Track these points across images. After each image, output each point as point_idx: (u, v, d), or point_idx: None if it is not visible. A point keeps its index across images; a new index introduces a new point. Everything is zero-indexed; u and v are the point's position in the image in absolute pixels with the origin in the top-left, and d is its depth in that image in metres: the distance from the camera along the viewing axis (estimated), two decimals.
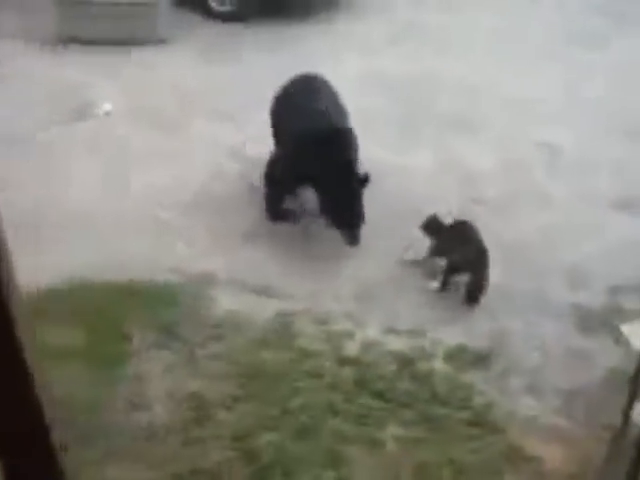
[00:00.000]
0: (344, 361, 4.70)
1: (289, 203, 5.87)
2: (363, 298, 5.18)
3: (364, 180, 5.40)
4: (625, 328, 4.99)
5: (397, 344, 4.82)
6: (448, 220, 5.37)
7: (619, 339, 4.92)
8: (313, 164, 5.38)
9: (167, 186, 6.07)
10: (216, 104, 7.14)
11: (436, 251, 5.36)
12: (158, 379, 4.50)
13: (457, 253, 5.18)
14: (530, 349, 4.86)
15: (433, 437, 4.25)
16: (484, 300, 5.16)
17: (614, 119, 7.21)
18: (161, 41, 8.28)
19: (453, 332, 4.92)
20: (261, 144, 6.06)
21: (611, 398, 4.36)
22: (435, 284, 5.26)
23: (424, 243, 5.41)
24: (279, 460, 4.06)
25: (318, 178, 5.44)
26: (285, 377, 4.57)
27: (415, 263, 5.44)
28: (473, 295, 5.13)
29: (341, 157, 5.40)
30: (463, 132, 6.93)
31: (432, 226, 5.37)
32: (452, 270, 5.21)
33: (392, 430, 4.29)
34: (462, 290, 5.19)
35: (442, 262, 5.32)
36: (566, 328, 5.01)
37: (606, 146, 6.81)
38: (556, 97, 7.51)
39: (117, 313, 4.91)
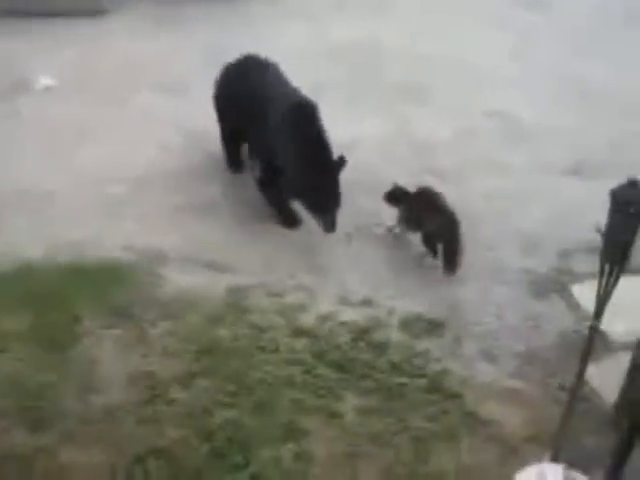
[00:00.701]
0: (300, 334, 4.66)
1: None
2: (316, 271, 5.15)
3: (340, 162, 5.20)
4: (576, 290, 5.05)
5: (352, 315, 4.80)
6: (410, 188, 5.33)
7: (571, 302, 4.98)
8: (291, 147, 5.17)
9: (114, 162, 5.94)
10: (160, 76, 7.00)
11: (405, 221, 5.33)
12: (111, 360, 4.41)
13: (428, 222, 5.15)
14: (484, 315, 4.89)
15: (391, 406, 4.25)
16: (437, 267, 5.17)
17: (565, 84, 7.26)
18: (103, 12, 8.06)
19: (407, 301, 4.92)
20: (203, 116, 5.94)
21: (565, 360, 4.43)
22: (426, 259, 5.21)
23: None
24: (237, 436, 4.01)
25: (293, 160, 5.21)
26: (241, 352, 4.52)
27: (389, 234, 5.42)
28: (452, 261, 5.12)
29: (317, 139, 5.18)
30: (413, 101, 6.90)
31: (396, 196, 5.34)
32: (429, 240, 5.19)
33: (350, 400, 4.27)
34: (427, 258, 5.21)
35: (405, 231, 5.33)
36: (519, 293, 5.06)
37: (558, 112, 6.86)
38: (505, 63, 7.54)
39: (66, 294, 4.79)
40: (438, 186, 5.44)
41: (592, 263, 4.83)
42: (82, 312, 4.68)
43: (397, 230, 5.41)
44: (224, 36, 7.75)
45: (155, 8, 8.38)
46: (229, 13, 8.22)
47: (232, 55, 7.19)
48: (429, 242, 5.19)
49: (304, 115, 5.19)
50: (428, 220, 5.15)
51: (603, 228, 3.18)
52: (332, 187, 5.18)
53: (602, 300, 3.30)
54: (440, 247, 5.16)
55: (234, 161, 5.96)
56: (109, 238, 5.24)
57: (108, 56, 7.32)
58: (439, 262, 5.18)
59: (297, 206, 5.48)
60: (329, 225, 5.21)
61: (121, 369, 4.38)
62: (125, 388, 4.27)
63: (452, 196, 5.25)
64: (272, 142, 5.30)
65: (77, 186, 5.68)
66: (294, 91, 5.45)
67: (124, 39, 7.63)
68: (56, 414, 4.05)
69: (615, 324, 4.21)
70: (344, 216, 5.34)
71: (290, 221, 5.52)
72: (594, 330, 3.43)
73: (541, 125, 6.65)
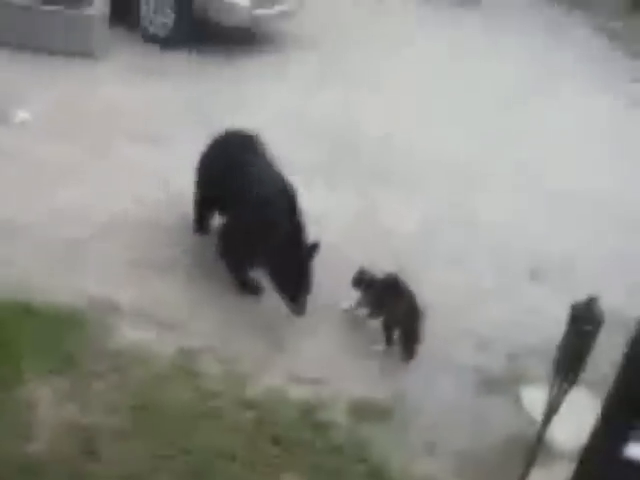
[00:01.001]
0: (245, 405, 4.60)
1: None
2: (270, 341, 5.12)
3: (314, 248, 5.21)
4: (524, 394, 5.08)
5: (300, 392, 4.75)
6: (377, 274, 5.38)
7: (517, 405, 5.00)
8: (271, 230, 5.19)
9: (82, 206, 5.88)
10: (142, 127, 7.01)
11: (369, 305, 5.35)
12: (49, 407, 4.29)
13: (392, 309, 5.19)
14: (431, 407, 4.88)
15: None
16: (390, 356, 5.18)
17: (536, 185, 7.44)
18: (93, 56, 8.12)
19: (357, 384, 4.90)
20: (185, 172, 5.97)
21: (507, 464, 4.41)
22: (379, 346, 5.23)
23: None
24: None
25: (267, 243, 5.23)
26: (184, 416, 4.44)
27: (350, 313, 5.44)
28: (410, 349, 5.15)
29: (294, 223, 5.22)
30: (386, 187, 7.01)
31: (363, 279, 5.38)
32: (389, 327, 5.21)
33: (287, 478, 4.21)
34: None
35: (367, 315, 5.35)
36: (467, 390, 5.07)
37: (525, 214, 7.01)
38: (485, 159, 7.70)
39: (13, 334, 4.66)
40: (397, 274, 5.49)
41: (542, 368, 4.95)
42: (28, 354, 4.56)
43: (357, 312, 5.42)
44: (209, 93, 7.85)
45: (143, 59, 8.46)
46: (216, 70, 8.35)
47: (215, 112, 7.32)
48: (389, 328, 5.21)
49: (283, 202, 5.23)
50: (392, 306, 5.19)
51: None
52: (305, 273, 5.21)
53: (551, 411, 3.33)
54: (398, 334, 5.18)
55: (202, 225, 5.95)
56: (64, 282, 5.14)
57: (92, 100, 7.32)
58: (393, 349, 5.19)
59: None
60: (299, 311, 5.24)
61: (57, 419, 4.26)
62: (59, 440, 4.15)
63: (411, 286, 5.29)
64: (248, 219, 5.33)
65: (42, 224, 5.59)
66: (276, 175, 5.48)
67: (110, 85, 7.66)
68: None
69: (558, 431, 4.23)
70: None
71: (250, 290, 5.51)
72: (541, 439, 3.45)
73: (507, 225, 6.78)
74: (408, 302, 5.15)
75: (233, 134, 5.79)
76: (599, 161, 8.20)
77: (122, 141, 6.79)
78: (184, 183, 5.96)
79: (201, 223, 5.94)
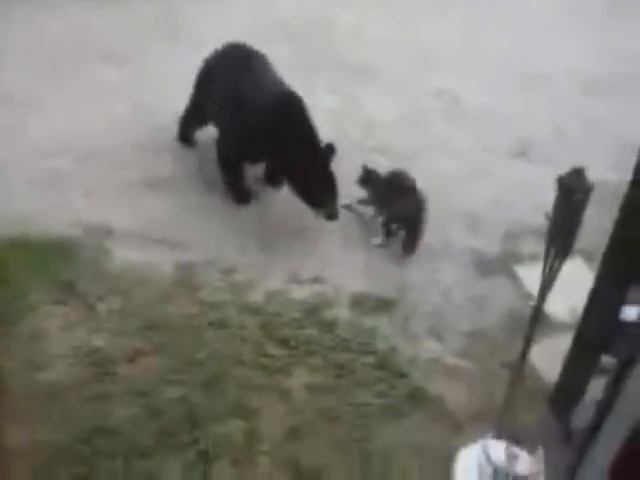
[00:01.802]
0: (249, 311, 4.68)
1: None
2: (267, 248, 5.15)
3: (330, 151, 5.13)
4: (520, 271, 5.16)
5: (301, 292, 4.83)
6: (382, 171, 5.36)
7: (515, 282, 5.09)
8: (276, 139, 5.09)
9: (61, 134, 5.79)
10: (108, 47, 6.81)
11: (372, 201, 5.35)
12: (57, 336, 4.36)
13: (396, 204, 5.19)
14: (431, 294, 4.97)
15: (339, 383, 4.31)
16: (388, 247, 5.24)
17: (511, 67, 7.33)
18: None
19: (356, 280, 4.96)
20: (159, 90, 5.85)
21: (509, 339, 4.54)
22: (377, 239, 5.27)
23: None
24: (186, 414, 4.03)
25: (282, 153, 5.14)
26: (189, 329, 4.51)
27: (356, 215, 5.43)
28: (412, 244, 5.19)
29: (306, 130, 5.10)
30: (363, 81, 6.89)
31: (369, 178, 5.35)
32: (391, 221, 5.23)
33: (299, 378, 4.32)
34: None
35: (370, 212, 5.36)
36: (466, 273, 5.14)
37: (503, 94, 6.93)
38: (454, 46, 7.56)
39: (10, 269, 4.69)
40: (386, 166, 5.48)
41: (536, 245, 5.01)
42: (27, 287, 4.61)
43: (358, 209, 5.42)
44: (175, 6, 7.61)
45: None
46: None
47: (183, 29, 7.11)
48: (389, 222, 5.24)
49: (292, 110, 5.11)
50: (396, 202, 5.18)
51: (550, 213, 3.26)
52: (328, 177, 5.14)
53: (546, 283, 3.39)
54: (400, 228, 5.23)
55: (188, 135, 5.89)
56: (55, 213, 5.13)
57: (56, 24, 7.07)
58: (389, 243, 5.25)
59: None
60: (331, 215, 5.19)
61: (67, 345, 4.34)
62: (71, 365, 4.24)
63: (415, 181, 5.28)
64: (248, 122, 5.19)
65: (22, 159, 5.53)
66: (279, 83, 5.35)
67: (72, 8, 7.40)
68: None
69: (557, 304, 4.31)
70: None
71: (242, 197, 5.49)
72: (537, 312, 3.53)
73: (487, 107, 6.72)
74: (412, 197, 5.14)
75: (238, 47, 5.60)
76: (570, 38, 8.05)
77: (91, 63, 6.60)
78: (159, 101, 5.86)
79: (188, 133, 5.87)
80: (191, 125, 5.84)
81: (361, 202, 5.42)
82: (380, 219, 5.33)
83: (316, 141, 5.13)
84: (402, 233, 5.24)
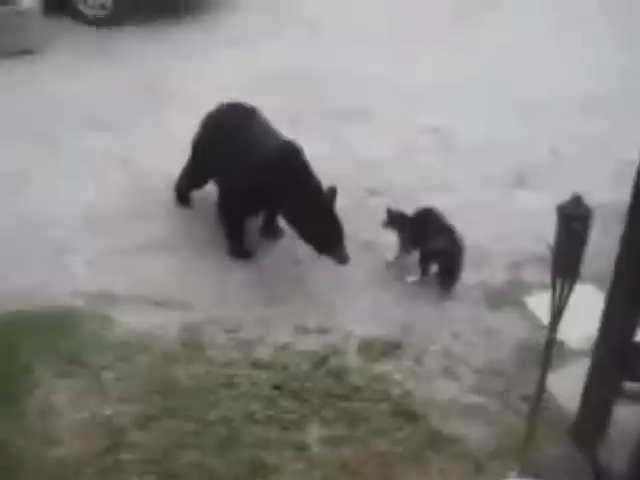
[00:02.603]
0: (258, 367, 4.61)
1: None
2: (271, 301, 5.10)
3: (333, 194, 5.15)
4: (529, 301, 5.10)
5: (309, 343, 4.77)
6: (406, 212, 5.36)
7: (525, 313, 5.02)
8: (280, 189, 5.11)
9: (53, 204, 5.78)
10: (92, 114, 6.84)
11: (409, 243, 5.33)
12: (66, 410, 4.28)
13: (431, 242, 5.17)
14: (441, 332, 4.90)
15: (356, 433, 4.23)
16: (390, 288, 5.19)
17: (501, 97, 7.37)
18: (29, 51, 7.88)
19: (363, 325, 4.90)
20: (145, 153, 5.84)
21: (525, 371, 4.46)
22: (412, 277, 5.25)
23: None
24: (202, 477, 3.94)
25: (287, 203, 5.19)
26: (200, 390, 4.45)
27: (396, 262, 5.40)
28: (450, 281, 5.18)
29: (308, 176, 5.13)
30: (353, 122, 6.92)
31: (395, 220, 5.33)
32: (428, 259, 5.21)
33: (315, 431, 4.24)
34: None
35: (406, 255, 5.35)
36: (474, 307, 5.10)
37: (497, 125, 6.95)
38: (442, 80, 7.61)
39: (12, 345, 4.63)
40: (382, 205, 5.46)
41: (542, 273, 4.95)
42: (31, 362, 4.54)
43: (400, 257, 5.39)
44: (159, 68, 7.68)
45: (82, 44, 8.19)
46: (161, 43, 8.13)
47: (169, 87, 7.14)
48: (428, 261, 5.21)
49: (293, 159, 5.15)
50: (433, 238, 5.16)
51: (552, 242, 3.22)
52: (334, 221, 5.13)
53: (557, 312, 3.33)
54: (436, 267, 5.23)
55: (186, 198, 5.88)
56: (55, 284, 5.10)
57: (35, 96, 7.08)
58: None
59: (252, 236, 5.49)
60: (342, 259, 5.15)
61: (77, 418, 4.26)
62: (82, 438, 4.15)
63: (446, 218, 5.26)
64: (248, 179, 5.20)
65: (17, 232, 5.50)
66: (276, 136, 5.39)
67: (52, 78, 7.42)
68: (10, 471, 3.91)
69: (569, 332, 4.24)
70: (296, 242, 5.34)
71: (245, 252, 5.47)
72: (551, 342, 3.46)
73: (481, 139, 6.73)
74: (449, 234, 5.14)
75: (231, 105, 5.63)
76: (563, 63, 8.11)
77: (74, 132, 6.61)
78: (146, 164, 5.84)
79: (185, 194, 5.87)
80: (189, 187, 5.84)
81: (400, 249, 5.36)
82: (404, 256, 5.33)
83: (320, 186, 5.14)
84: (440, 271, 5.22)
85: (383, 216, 5.37)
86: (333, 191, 5.15)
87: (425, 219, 5.26)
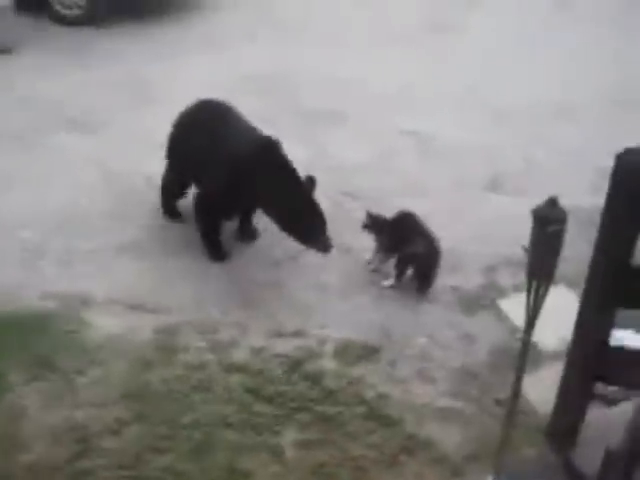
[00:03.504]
0: (233, 370, 4.57)
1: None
2: (245, 304, 5.06)
3: (311, 183, 5.15)
4: (504, 304, 5.11)
5: (285, 347, 4.73)
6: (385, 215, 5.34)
7: (500, 316, 5.03)
8: (260, 182, 5.06)
9: (28, 205, 5.71)
10: (68, 114, 6.78)
11: (385, 247, 5.31)
12: (36, 415, 4.21)
13: (408, 245, 5.16)
14: (416, 336, 4.89)
15: (331, 437, 4.19)
16: (366, 292, 5.17)
17: (478, 102, 7.40)
18: (3, 51, 7.80)
19: (339, 328, 4.88)
20: (121, 153, 5.79)
21: (500, 374, 4.46)
22: (388, 281, 5.24)
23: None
24: None
25: (267, 197, 5.14)
26: (173, 394, 4.39)
27: (373, 265, 5.39)
28: (426, 284, 5.18)
29: (288, 167, 5.08)
30: (329, 125, 6.91)
31: (375, 223, 5.31)
32: (405, 262, 5.20)
33: (289, 435, 4.20)
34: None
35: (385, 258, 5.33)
36: (450, 311, 5.09)
37: (473, 129, 6.97)
38: (419, 84, 7.63)
39: None
40: (360, 210, 5.45)
41: (517, 276, 4.98)
42: (4, 367, 4.47)
43: (378, 260, 5.37)
44: (136, 68, 7.63)
45: (58, 43, 8.14)
46: (138, 43, 8.09)
47: (145, 88, 7.11)
48: (405, 265, 5.20)
49: (271, 151, 5.11)
50: (411, 242, 5.15)
51: (527, 246, 3.22)
52: (315, 210, 5.10)
53: (532, 315, 3.33)
54: (412, 271, 5.23)
55: (172, 208, 5.80)
56: (28, 286, 5.02)
57: (11, 97, 7.03)
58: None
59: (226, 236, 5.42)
60: (325, 247, 5.12)
61: (48, 423, 4.19)
62: (53, 443, 4.08)
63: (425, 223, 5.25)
64: (224, 178, 5.16)
65: None
66: (253, 131, 5.34)
67: (29, 78, 7.38)
68: None
69: (545, 334, 4.25)
70: (273, 245, 5.29)
71: (221, 254, 5.42)
72: (526, 345, 3.46)
73: (457, 144, 6.76)
74: (426, 237, 5.14)
75: (204, 102, 5.56)
76: (539, 70, 8.16)
77: (50, 132, 6.55)
78: (123, 165, 5.79)
79: (174, 209, 5.79)
80: (174, 197, 5.76)
81: (377, 252, 5.36)
82: (382, 261, 5.33)
83: (299, 177, 5.12)
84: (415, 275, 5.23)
85: (363, 219, 5.35)
86: (312, 180, 5.15)
87: (403, 223, 5.26)
